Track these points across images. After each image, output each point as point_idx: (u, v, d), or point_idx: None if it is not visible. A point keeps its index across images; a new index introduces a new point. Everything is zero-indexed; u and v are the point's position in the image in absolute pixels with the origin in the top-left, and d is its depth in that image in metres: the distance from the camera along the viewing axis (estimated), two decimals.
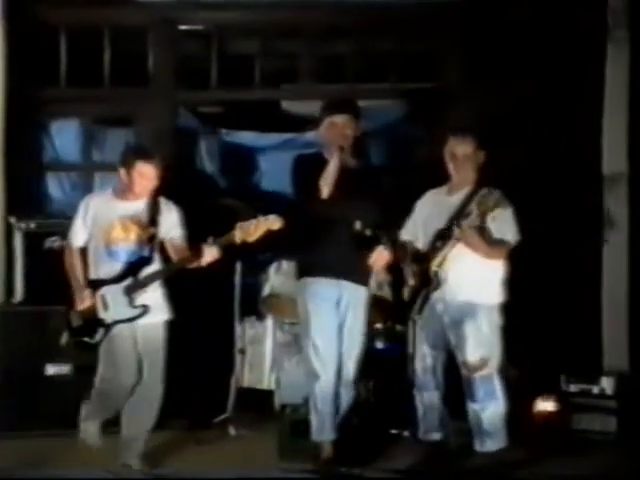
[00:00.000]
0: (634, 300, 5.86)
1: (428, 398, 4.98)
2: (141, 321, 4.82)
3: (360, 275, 4.94)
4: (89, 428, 4.94)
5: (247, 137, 7.04)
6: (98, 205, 4.98)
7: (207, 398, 5.78)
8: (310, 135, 6.67)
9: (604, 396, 5.55)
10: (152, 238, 4.90)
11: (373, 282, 5.20)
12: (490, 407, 4.86)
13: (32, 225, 5.78)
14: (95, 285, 4.85)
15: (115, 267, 4.83)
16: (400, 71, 6.35)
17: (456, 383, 4.97)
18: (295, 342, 5.81)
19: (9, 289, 5.93)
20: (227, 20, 6.36)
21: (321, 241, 4.88)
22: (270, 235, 4.75)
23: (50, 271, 5.40)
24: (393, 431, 5.44)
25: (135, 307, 4.81)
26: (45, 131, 6.55)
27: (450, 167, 4.94)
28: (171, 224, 4.96)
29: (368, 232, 4.81)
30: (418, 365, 4.94)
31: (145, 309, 4.79)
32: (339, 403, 4.97)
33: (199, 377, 5.80)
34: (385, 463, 5.05)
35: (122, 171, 4.91)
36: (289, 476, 4.94)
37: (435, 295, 4.85)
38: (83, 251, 4.98)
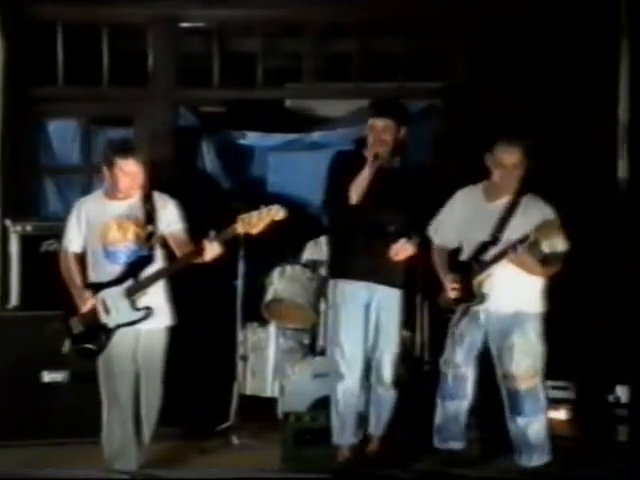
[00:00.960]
0: None
1: (454, 407, 5.01)
2: (143, 327, 4.77)
3: (393, 277, 4.97)
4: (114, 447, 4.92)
5: (250, 137, 6.99)
6: (90, 207, 4.94)
7: (209, 406, 5.76)
8: (316, 135, 6.79)
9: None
10: (150, 236, 4.84)
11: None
12: (537, 421, 4.90)
13: (28, 228, 5.74)
14: (94, 289, 4.79)
15: (114, 269, 4.79)
16: (407, 70, 6.34)
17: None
18: (299, 348, 5.85)
19: (4, 293, 5.94)
20: (229, 17, 6.41)
21: (352, 243, 4.95)
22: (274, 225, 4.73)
23: (47, 275, 5.41)
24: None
25: (137, 310, 4.76)
26: (42, 131, 6.60)
27: (496, 174, 4.90)
28: (170, 218, 4.91)
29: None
30: (450, 373, 4.99)
31: (148, 311, 4.75)
32: (361, 407, 5.04)
33: (201, 384, 5.78)
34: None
35: (105, 170, 4.87)
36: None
37: (478, 306, 4.89)
38: (81, 256, 4.93)
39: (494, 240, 4.83)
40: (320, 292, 5.74)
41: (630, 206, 5.80)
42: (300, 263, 6.00)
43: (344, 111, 6.80)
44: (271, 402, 5.70)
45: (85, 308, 4.78)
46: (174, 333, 5.00)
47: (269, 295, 5.89)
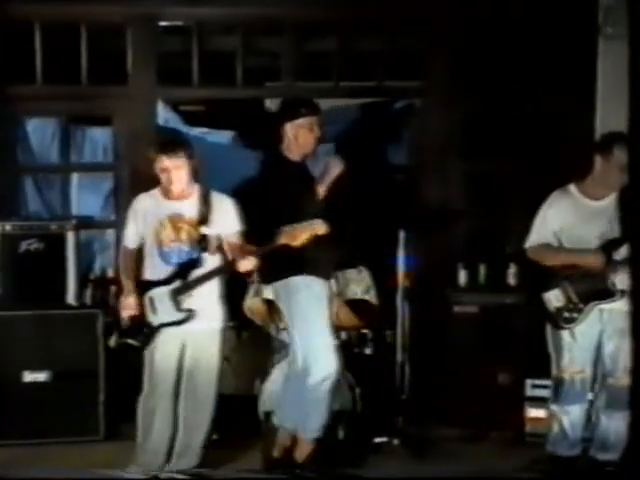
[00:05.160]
0: None
1: (578, 411, 4.94)
2: (190, 328, 4.79)
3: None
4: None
5: (228, 136, 7.06)
6: (147, 205, 4.92)
7: None
8: None
9: None
10: (203, 238, 4.83)
11: (360, 286, 5.18)
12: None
13: (7, 227, 5.69)
14: (145, 287, 4.82)
15: (167, 269, 4.80)
16: (386, 69, 6.32)
17: None
18: (280, 348, 5.75)
19: None
20: (208, 16, 6.31)
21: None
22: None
23: (27, 275, 5.50)
24: (379, 439, 5.39)
25: (181, 311, 4.76)
26: (21, 130, 6.57)
27: (611, 173, 4.77)
28: (225, 221, 4.87)
29: None
30: (577, 377, 4.89)
31: (190, 313, 4.76)
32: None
33: None
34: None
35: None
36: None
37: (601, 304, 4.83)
38: (136, 252, 4.95)
39: (623, 239, 4.67)
40: None
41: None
42: None
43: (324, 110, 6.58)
44: (252, 401, 5.60)
45: (127, 308, 4.81)
46: None
47: (250, 294, 5.65)
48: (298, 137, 4.96)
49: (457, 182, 6.14)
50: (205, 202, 4.86)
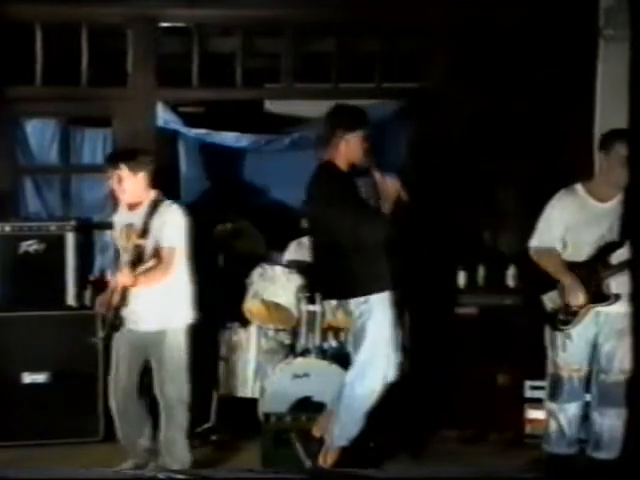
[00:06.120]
0: None
1: (575, 410, 4.96)
2: (144, 329, 5.00)
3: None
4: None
5: (229, 137, 6.93)
6: (118, 216, 5.20)
7: (190, 406, 5.54)
8: (295, 136, 6.78)
9: None
10: (137, 247, 4.94)
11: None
12: (625, 413, 4.79)
13: (7, 228, 5.74)
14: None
15: None
16: (385, 70, 6.35)
17: None
18: (280, 349, 5.87)
19: None
20: (208, 17, 6.35)
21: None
22: None
23: (26, 276, 5.56)
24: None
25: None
26: (20, 131, 6.59)
27: (614, 172, 4.74)
28: (162, 233, 4.98)
29: None
30: (574, 376, 4.92)
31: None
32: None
33: None
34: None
35: None
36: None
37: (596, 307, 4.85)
38: None
39: (621, 243, 4.69)
40: (301, 292, 5.77)
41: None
42: (281, 264, 6.03)
43: (323, 112, 6.70)
44: (252, 403, 5.66)
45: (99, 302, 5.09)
46: None
47: (249, 295, 5.89)
48: (350, 149, 4.94)
49: (456, 183, 6.15)
50: (150, 212, 4.98)
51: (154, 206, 5.02)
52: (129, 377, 5.06)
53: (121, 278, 4.88)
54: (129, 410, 5.08)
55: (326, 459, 5.00)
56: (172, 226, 4.98)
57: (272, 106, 7.07)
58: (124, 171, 4.99)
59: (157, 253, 4.96)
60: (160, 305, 4.99)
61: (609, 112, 5.94)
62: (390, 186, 4.83)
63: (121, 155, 5.16)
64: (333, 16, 6.28)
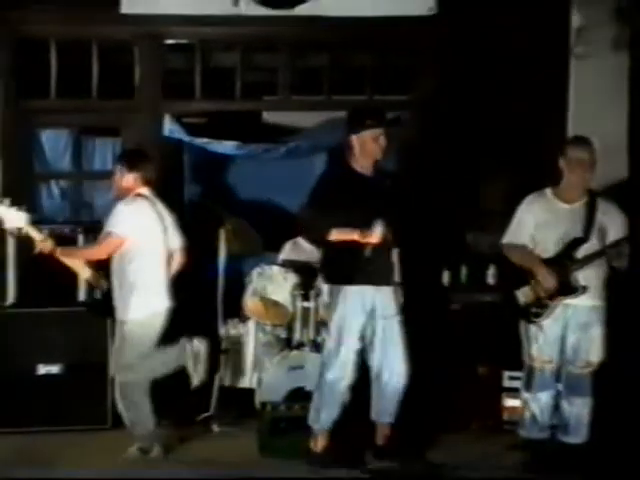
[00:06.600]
0: None
1: (546, 398, 5.08)
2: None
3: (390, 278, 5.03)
4: None
5: (229, 146, 7.02)
6: None
7: (192, 396, 5.62)
8: (291, 145, 6.90)
9: None
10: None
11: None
12: (591, 402, 5.08)
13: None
14: None
15: None
16: (374, 84, 6.48)
17: None
18: (276, 343, 5.93)
19: (2, 292, 6.06)
20: (210, 35, 6.46)
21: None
22: None
23: (41, 274, 5.55)
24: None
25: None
26: (36, 140, 6.69)
27: (572, 174, 4.95)
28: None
29: None
30: (546, 367, 5.04)
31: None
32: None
33: (184, 376, 5.60)
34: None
35: None
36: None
37: (567, 300, 4.99)
38: None
39: (585, 238, 4.91)
40: (296, 290, 5.87)
41: None
42: (277, 263, 6.12)
43: (317, 122, 6.95)
44: (249, 393, 5.77)
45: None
46: (165, 330, 5.22)
47: (249, 293, 6.01)
48: (364, 148, 4.92)
49: (442, 187, 6.26)
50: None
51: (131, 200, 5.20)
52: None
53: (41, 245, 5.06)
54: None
55: (316, 444, 5.05)
56: (117, 214, 5.12)
57: (269, 117, 7.24)
58: (122, 168, 5.22)
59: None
60: (120, 297, 5.17)
61: (580, 121, 6.13)
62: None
63: (122, 154, 5.38)
64: (326, 34, 6.37)
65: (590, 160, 4.99)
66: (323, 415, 5.05)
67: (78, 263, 5.21)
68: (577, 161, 4.96)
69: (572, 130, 6.11)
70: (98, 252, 5.17)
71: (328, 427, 5.05)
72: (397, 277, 5.12)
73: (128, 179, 5.22)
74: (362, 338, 5.02)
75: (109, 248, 5.12)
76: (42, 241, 5.06)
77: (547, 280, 4.97)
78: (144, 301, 5.13)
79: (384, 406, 5.08)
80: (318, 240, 5.15)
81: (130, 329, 5.14)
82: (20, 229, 5.03)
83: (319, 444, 5.07)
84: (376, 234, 4.79)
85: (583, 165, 4.97)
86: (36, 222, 5.93)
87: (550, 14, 6.21)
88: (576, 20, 6.14)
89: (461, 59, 6.34)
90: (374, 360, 5.04)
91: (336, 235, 4.85)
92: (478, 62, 6.33)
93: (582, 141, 5.07)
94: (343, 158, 5.04)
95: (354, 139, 4.93)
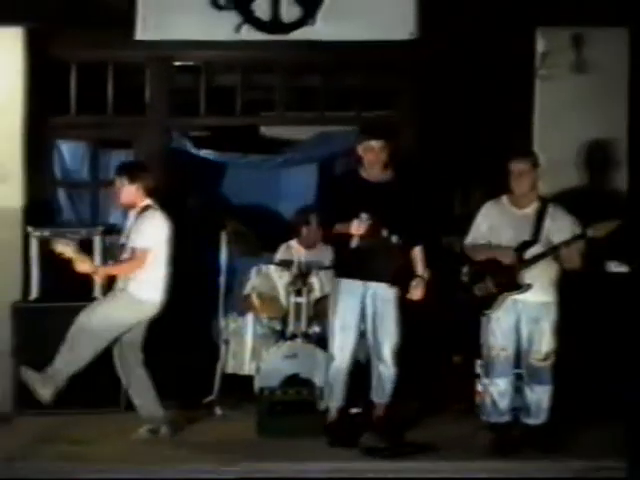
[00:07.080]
0: None
1: (504, 384, 5.36)
2: None
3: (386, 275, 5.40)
4: None
5: (230, 157, 7.34)
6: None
7: (197, 382, 6.15)
8: (287, 156, 7.19)
9: None
10: (122, 246, 5.63)
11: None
12: (550, 389, 5.40)
13: (46, 233, 6.09)
14: None
15: None
16: (362, 101, 6.71)
17: None
18: (272, 334, 6.17)
19: (26, 288, 6.27)
20: (214, 57, 6.67)
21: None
22: None
23: (60, 273, 5.70)
24: (355, 410, 5.73)
25: None
26: (58, 152, 6.89)
27: (514, 183, 5.30)
28: (136, 235, 5.46)
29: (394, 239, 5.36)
30: (502, 354, 5.32)
31: None
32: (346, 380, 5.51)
33: (190, 364, 6.19)
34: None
35: None
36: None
37: (515, 295, 5.29)
38: None
39: (534, 241, 5.23)
40: (289, 287, 6.14)
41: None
42: (273, 263, 6.40)
43: (309, 135, 7.15)
44: (249, 379, 6.00)
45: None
46: (173, 323, 5.62)
47: (247, 289, 6.34)
48: (365, 158, 5.43)
49: (421, 192, 6.19)
50: (137, 218, 5.44)
51: (142, 211, 5.42)
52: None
53: (83, 267, 5.26)
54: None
55: (331, 422, 5.51)
56: (143, 230, 5.36)
57: (267, 131, 7.55)
58: (123, 179, 5.45)
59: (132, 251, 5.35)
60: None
61: (544, 137, 6.44)
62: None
63: (119, 169, 5.56)
64: (318, 56, 6.59)
65: (529, 170, 5.32)
66: (333, 395, 5.48)
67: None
68: (518, 172, 5.31)
69: (537, 143, 6.38)
70: (137, 266, 5.38)
71: (339, 405, 5.48)
72: (422, 272, 5.56)
73: (130, 190, 5.44)
74: (359, 328, 5.46)
75: (142, 262, 5.38)
76: (89, 267, 5.38)
77: (507, 256, 5.27)
78: (146, 287, 5.42)
79: (378, 386, 5.54)
80: (327, 237, 5.67)
81: (124, 297, 5.39)
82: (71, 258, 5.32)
83: (333, 422, 5.49)
84: (358, 225, 5.22)
85: (523, 175, 5.34)
86: (57, 224, 6.44)
87: (517, 41, 6.46)
88: (541, 45, 6.39)
89: (438, 79, 6.56)
90: (370, 345, 5.52)
91: (336, 230, 5.39)
92: (453, 82, 6.57)
93: (522, 154, 5.44)
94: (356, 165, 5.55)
95: (359, 150, 5.52)
